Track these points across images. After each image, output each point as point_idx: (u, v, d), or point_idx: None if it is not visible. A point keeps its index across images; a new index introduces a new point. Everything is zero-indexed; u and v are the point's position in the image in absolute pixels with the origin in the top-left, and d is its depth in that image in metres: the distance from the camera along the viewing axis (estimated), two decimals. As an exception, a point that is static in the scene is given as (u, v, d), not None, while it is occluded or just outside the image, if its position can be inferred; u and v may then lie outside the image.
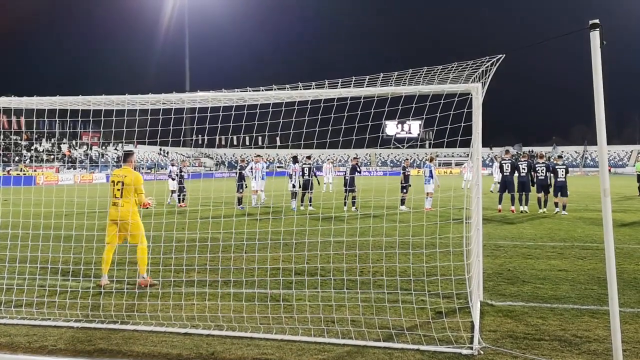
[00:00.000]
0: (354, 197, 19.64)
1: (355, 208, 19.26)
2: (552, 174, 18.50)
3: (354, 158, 21.41)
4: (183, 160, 23.93)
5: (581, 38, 4.84)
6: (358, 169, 22.34)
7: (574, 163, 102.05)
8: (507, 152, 20.77)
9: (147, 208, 8.00)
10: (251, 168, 21.37)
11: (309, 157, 21.92)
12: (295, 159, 21.73)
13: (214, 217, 14.92)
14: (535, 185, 18.80)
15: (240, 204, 19.99)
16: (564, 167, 18.68)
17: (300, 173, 20.47)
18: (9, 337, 5.70)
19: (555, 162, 19.10)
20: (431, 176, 19.51)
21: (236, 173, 21.99)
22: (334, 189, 29.69)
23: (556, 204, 18.39)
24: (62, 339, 5.64)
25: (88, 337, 5.69)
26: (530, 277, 8.39)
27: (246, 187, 20.96)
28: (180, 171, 22.10)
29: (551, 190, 18.60)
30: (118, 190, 7.83)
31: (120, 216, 7.72)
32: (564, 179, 18.33)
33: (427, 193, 19.31)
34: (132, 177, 7.90)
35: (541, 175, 18.59)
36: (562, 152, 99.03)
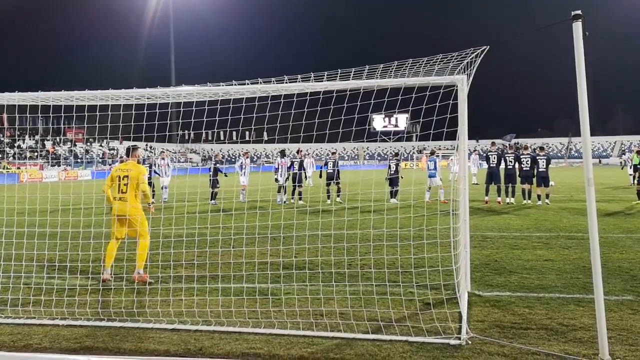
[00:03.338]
0: (339, 189, 19.74)
1: (341, 199, 19.36)
2: (534, 165, 18.72)
3: (333, 153, 21.37)
4: (148, 158, 23.95)
5: (564, 29, 4.87)
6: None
7: (559, 154, 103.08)
8: (492, 144, 20.93)
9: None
10: (241, 164, 21.31)
11: (299, 151, 21.89)
12: (282, 153, 21.66)
13: (200, 212, 14.85)
14: (520, 176, 19.00)
15: (213, 199, 19.81)
16: (545, 157, 18.92)
17: (288, 167, 20.49)
18: (-7, 336, 5.63)
19: (537, 153, 19.33)
20: (435, 169, 19.76)
21: (210, 169, 21.69)
22: (313, 183, 29.59)
23: (539, 196, 18.63)
24: (47, 337, 5.58)
25: (74, 335, 5.63)
26: (517, 267, 8.46)
27: (218, 184, 20.52)
28: (150, 166, 21.73)
29: (534, 180, 18.81)
30: (125, 184, 7.77)
31: (128, 211, 7.66)
32: (545, 170, 18.57)
33: (439, 186, 19.46)
34: (136, 171, 7.86)
35: (526, 167, 18.78)
36: (546, 144, 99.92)
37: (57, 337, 5.55)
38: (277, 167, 20.87)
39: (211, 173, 20.90)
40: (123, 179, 7.81)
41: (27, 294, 6.97)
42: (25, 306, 6.51)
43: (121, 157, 19.75)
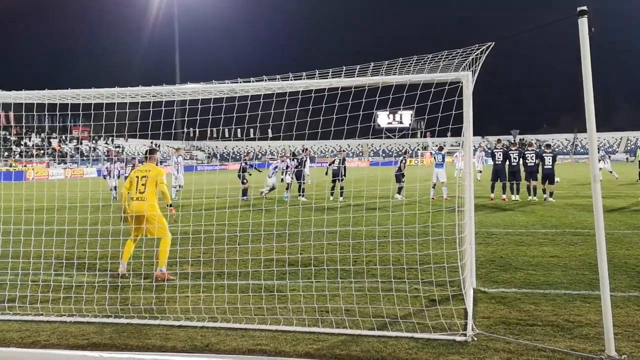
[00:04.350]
0: (342, 187, 19.74)
1: (343, 198, 19.36)
2: (540, 162, 18.68)
3: (342, 151, 21.51)
4: (133, 158, 24.06)
5: (570, 24, 4.85)
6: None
7: (564, 151, 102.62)
8: (498, 141, 20.97)
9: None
10: (275, 167, 21.50)
11: (305, 149, 21.95)
12: (293, 155, 21.99)
13: (206, 210, 14.89)
14: (525, 172, 18.99)
15: (245, 195, 20.23)
16: (552, 154, 18.87)
17: (296, 164, 20.66)
18: (0, 333, 5.67)
19: (543, 150, 19.29)
20: (443, 161, 19.86)
21: (241, 166, 21.59)
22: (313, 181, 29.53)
23: (543, 191, 18.63)
24: (54, 333, 5.62)
25: (81, 331, 5.67)
26: (523, 263, 8.45)
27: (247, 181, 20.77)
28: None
29: (539, 177, 18.79)
30: (143, 184, 7.91)
31: (146, 209, 7.80)
32: (551, 167, 18.54)
33: (442, 182, 19.48)
34: (155, 172, 8.04)
35: (530, 163, 18.77)
36: (552, 139, 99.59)
37: (65, 334, 5.59)
38: (286, 167, 20.97)
39: (240, 170, 21.04)
40: (142, 179, 7.97)
41: (34, 291, 7.02)
42: (33, 303, 6.55)
43: (140, 161, 19.86)
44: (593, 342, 5.05)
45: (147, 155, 8.45)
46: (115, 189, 22.29)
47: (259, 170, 22.88)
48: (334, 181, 19.84)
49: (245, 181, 20.70)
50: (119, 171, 24.05)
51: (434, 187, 19.65)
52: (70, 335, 5.57)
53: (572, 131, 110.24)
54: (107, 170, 23.61)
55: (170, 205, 8.09)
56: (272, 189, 20.93)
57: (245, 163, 22.35)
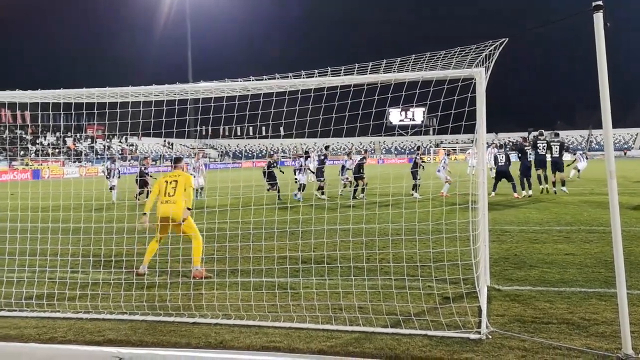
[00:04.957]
0: (364, 184, 19.71)
1: (364, 196, 19.36)
2: (549, 151, 18.96)
3: (365, 150, 21.59)
4: (145, 158, 23.60)
5: (585, 20, 4.80)
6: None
7: (579, 147, 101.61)
8: (500, 146, 21.22)
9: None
10: (300, 165, 20.97)
11: (327, 147, 21.94)
12: (307, 154, 21.89)
13: (220, 207, 14.96)
14: (535, 161, 19.25)
15: (279, 198, 19.14)
16: (559, 143, 19.01)
17: (317, 162, 20.71)
18: (18, 330, 5.76)
19: (552, 138, 19.43)
20: (444, 166, 20.06)
21: (266, 170, 19.82)
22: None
23: (554, 183, 18.66)
24: (71, 330, 5.70)
25: (97, 328, 5.74)
26: (537, 261, 8.39)
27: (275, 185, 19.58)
28: (145, 168, 21.62)
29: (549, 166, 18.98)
30: (172, 188, 8.09)
31: (173, 213, 7.95)
32: (558, 155, 18.71)
33: (444, 179, 19.58)
34: (184, 177, 8.30)
35: (541, 152, 19.05)
36: (567, 136, 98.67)
37: (81, 330, 5.66)
38: (300, 167, 20.87)
39: (266, 174, 19.52)
40: (171, 184, 8.15)
41: (51, 289, 7.11)
42: (50, 300, 6.64)
43: (153, 159, 19.78)
44: (609, 340, 5.00)
45: (175, 164, 8.79)
46: (114, 189, 22.06)
47: (282, 171, 21.86)
48: (356, 178, 19.69)
49: (273, 183, 19.27)
50: (119, 171, 23.68)
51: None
52: (87, 331, 5.64)
53: (586, 127, 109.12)
54: (108, 170, 22.95)
55: (189, 209, 8.19)
56: (303, 188, 20.40)
57: (271, 164, 20.33)
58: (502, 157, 19.34)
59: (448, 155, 21.68)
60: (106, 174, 22.97)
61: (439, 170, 20.15)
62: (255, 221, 11.56)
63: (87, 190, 17.69)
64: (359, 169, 20.03)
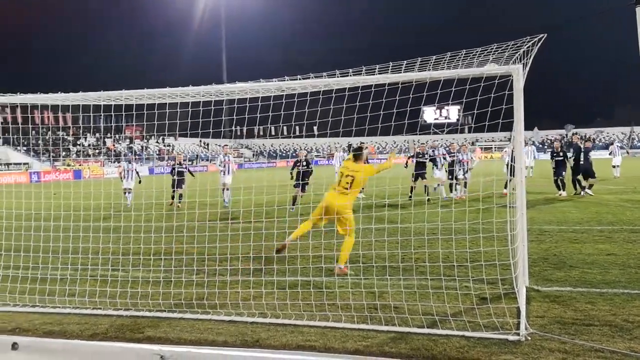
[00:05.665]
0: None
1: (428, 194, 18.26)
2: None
3: (421, 144, 20.40)
4: (179, 154, 22.31)
5: (628, 13, 4.66)
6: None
7: (620, 145, 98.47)
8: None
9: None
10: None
11: (349, 147, 21.82)
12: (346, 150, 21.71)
13: (256, 206, 15.09)
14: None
15: (294, 203, 16.52)
16: (584, 150, 18.90)
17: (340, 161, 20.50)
18: (61, 326, 5.94)
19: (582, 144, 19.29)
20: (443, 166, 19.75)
21: (295, 170, 17.72)
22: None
23: (583, 187, 18.58)
24: (112, 327, 5.84)
25: (137, 325, 5.87)
26: (578, 261, 8.18)
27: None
28: (180, 165, 19.53)
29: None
30: (347, 182, 8.09)
31: (338, 204, 7.99)
32: (583, 162, 18.70)
33: (440, 179, 19.36)
34: (362, 173, 8.14)
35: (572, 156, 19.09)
36: (607, 133, 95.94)
37: (122, 327, 5.80)
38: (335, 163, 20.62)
39: (300, 176, 17.39)
40: (346, 177, 8.13)
41: (92, 286, 7.31)
42: (91, 297, 6.83)
43: (190, 159, 19.17)
44: (654, 343, 4.85)
45: (356, 155, 8.35)
46: (129, 192, 19.89)
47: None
48: (417, 177, 18.67)
49: (303, 184, 17.24)
50: (138, 172, 20.99)
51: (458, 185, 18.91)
52: (127, 328, 5.77)
53: (628, 124, 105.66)
54: (125, 171, 20.51)
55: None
56: None
57: (301, 164, 17.75)
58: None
59: (458, 151, 20.17)
60: (122, 174, 20.52)
61: (437, 168, 19.46)
62: (290, 220, 11.60)
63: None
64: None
